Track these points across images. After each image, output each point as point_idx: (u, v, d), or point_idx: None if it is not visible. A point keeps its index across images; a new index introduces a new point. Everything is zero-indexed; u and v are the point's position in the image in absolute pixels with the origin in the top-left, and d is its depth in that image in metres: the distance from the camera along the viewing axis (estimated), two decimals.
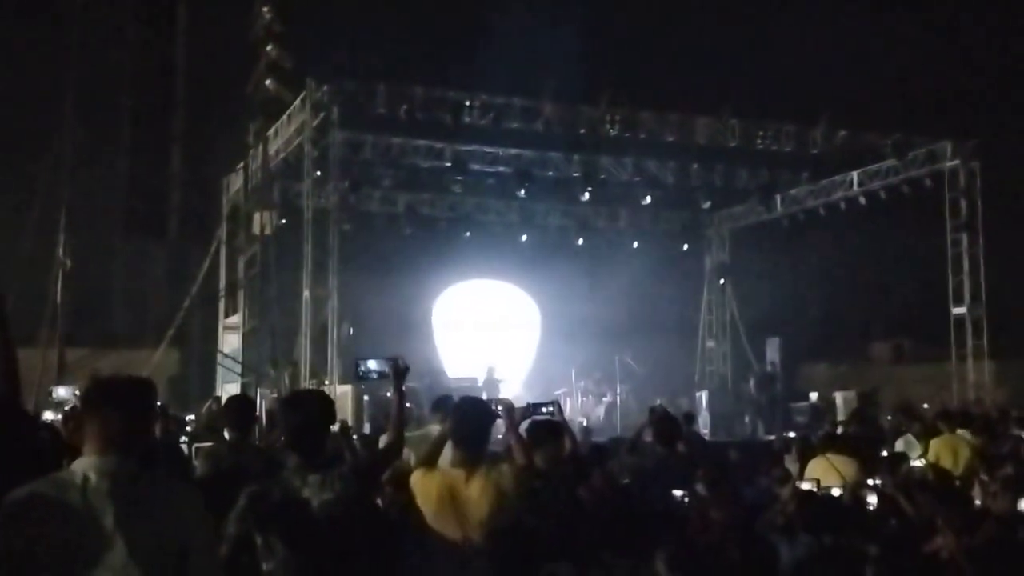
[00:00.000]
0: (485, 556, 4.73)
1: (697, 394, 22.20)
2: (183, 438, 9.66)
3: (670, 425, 8.65)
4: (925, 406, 17.10)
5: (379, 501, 5.85)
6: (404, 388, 5.17)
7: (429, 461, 5.13)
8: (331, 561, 4.25)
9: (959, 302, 20.62)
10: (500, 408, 5.41)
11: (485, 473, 4.93)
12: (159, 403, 3.41)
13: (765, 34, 22.62)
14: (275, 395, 17.53)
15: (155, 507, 3.05)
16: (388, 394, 17.06)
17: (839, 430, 13.47)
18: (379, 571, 4.75)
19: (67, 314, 19.24)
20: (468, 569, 4.76)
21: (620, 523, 6.11)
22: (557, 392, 21.70)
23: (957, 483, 8.73)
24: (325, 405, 4.66)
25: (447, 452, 5.24)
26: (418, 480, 5.12)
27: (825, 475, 8.20)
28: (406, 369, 4.99)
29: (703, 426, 19.35)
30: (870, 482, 8.52)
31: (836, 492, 8.35)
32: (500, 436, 7.64)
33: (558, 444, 6.41)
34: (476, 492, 4.85)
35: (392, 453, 5.00)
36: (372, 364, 5.02)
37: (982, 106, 22.28)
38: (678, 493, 5.35)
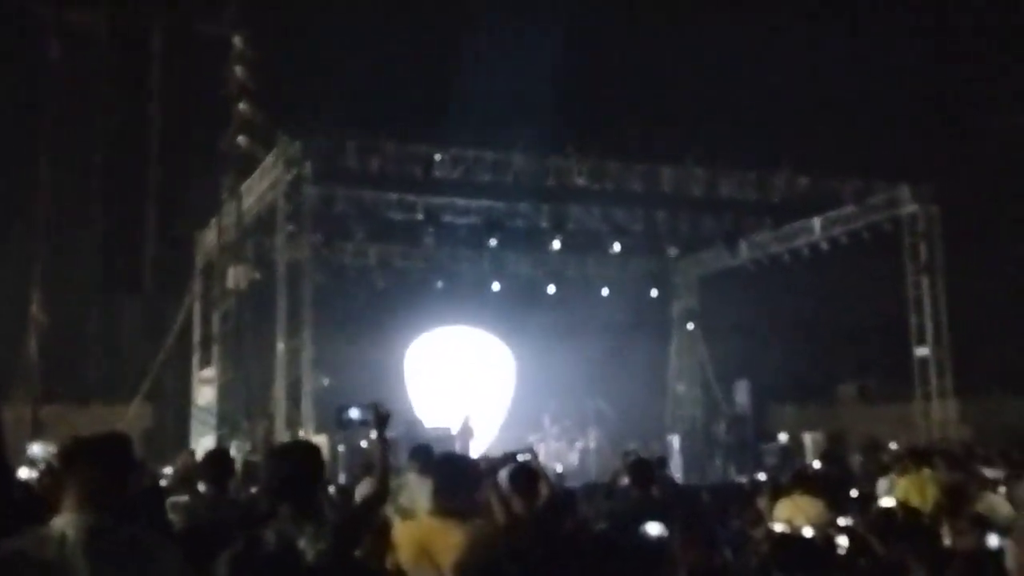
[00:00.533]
0: None
1: (668, 437, 22.41)
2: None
3: (645, 469, 8.85)
4: (892, 445, 17.42)
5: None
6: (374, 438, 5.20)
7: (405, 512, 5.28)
8: None
9: (922, 343, 21.03)
10: (483, 466, 5.58)
11: (462, 525, 5.03)
12: (134, 458, 3.47)
13: (727, 84, 23.18)
14: (249, 447, 17.60)
15: (133, 563, 3.07)
16: (363, 443, 17.26)
17: (815, 467, 13.72)
18: None
19: (42, 370, 19.21)
20: None
21: (597, 567, 6.30)
22: (531, 438, 21.82)
23: (926, 521, 8.98)
24: (314, 455, 4.68)
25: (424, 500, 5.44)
26: (399, 529, 5.31)
27: (793, 516, 8.43)
28: (388, 415, 5.04)
29: (675, 469, 19.54)
30: (841, 522, 8.76)
31: (808, 533, 8.59)
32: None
33: (535, 490, 6.60)
34: (453, 543, 4.91)
35: (378, 500, 4.98)
36: (354, 412, 5.07)
37: (940, 150, 22.84)
38: (654, 530, 5.54)
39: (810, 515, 8.52)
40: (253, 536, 4.33)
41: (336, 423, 4.92)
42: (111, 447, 3.31)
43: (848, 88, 23.97)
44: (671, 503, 8.78)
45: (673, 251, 23.56)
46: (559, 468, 19.05)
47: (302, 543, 4.29)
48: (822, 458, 15.96)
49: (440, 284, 24.28)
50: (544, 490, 7.05)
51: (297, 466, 4.54)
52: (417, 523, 5.22)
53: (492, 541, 5.09)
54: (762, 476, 15.35)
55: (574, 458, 21.86)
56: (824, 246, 22.32)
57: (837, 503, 9.38)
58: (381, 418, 5.01)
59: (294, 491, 4.47)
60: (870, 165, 21.72)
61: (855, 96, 24.03)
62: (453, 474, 5.27)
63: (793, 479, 9.98)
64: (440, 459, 5.57)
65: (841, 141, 23.10)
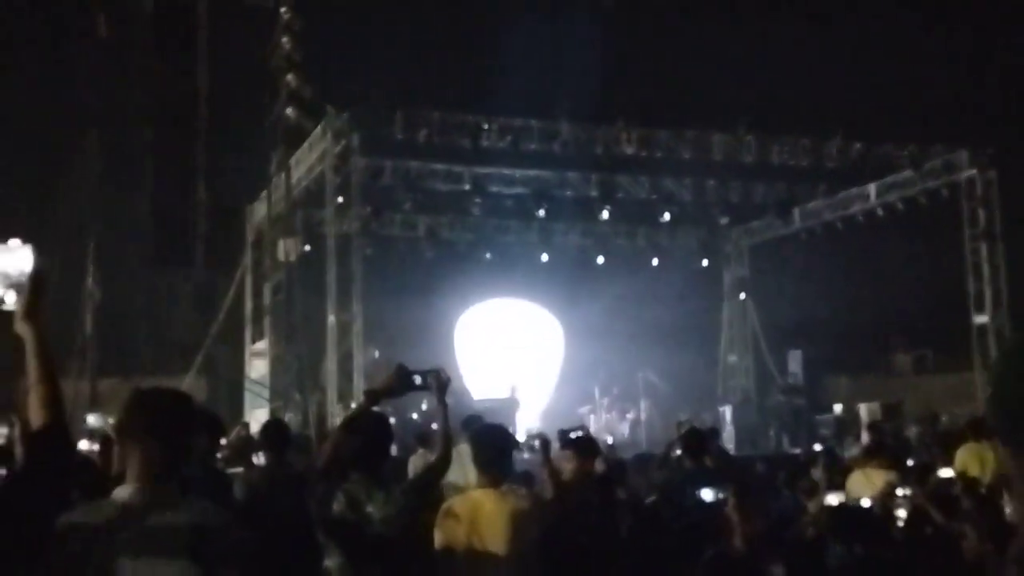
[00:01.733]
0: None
1: (721, 409, 22.23)
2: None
3: (699, 439, 8.74)
4: (943, 417, 17.15)
5: None
6: (427, 409, 5.35)
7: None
8: (387, 572, 4.45)
9: (980, 311, 20.62)
10: (537, 443, 5.57)
11: (505, 496, 5.09)
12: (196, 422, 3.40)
13: (778, 49, 22.71)
14: (302, 420, 17.73)
15: (188, 537, 3.03)
16: (414, 415, 17.32)
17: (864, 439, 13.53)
18: None
19: (97, 344, 19.48)
20: None
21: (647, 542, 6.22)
22: (581, 410, 21.79)
23: (985, 492, 8.80)
24: (385, 425, 4.85)
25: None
26: (450, 505, 5.31)
27: (864, 489, 8.29)
28: (448, 381, 5.07)
29: (728, 441, 19.38)
30: (899, 492, 8.60)
31: (866, 503, 8.44)
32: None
33: (591, 459, 6.56)
34: (497, 513, 4.97)
35: (441, 468, 5.09)
36: (416, 377, 5.04)
37: (997, 115, 22.30)
38: (708, 496, 5.45)
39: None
40: (322, 496, 4.48)
41: (398, 385, 4.89)
42: (174, 418, 3.25)
43: (903, 51, 23.44)
44: (724, 473, 8.68)
45: (724, 220, 23.26)
46: (610, 440, 18.98)
47: (370, 508, 4.47)
48: (870, 429, 15.70)
49: (488, 255, 24.23)
50: (599, 465, 7.00)
51: (369, 435, 4.72)
52: (466, 497, 5.20)
53: (542, 512, 5.07)
54: (817, 447, 15.19)
55: (625, 429, 21.78)
56: (880, 213, 21.92)
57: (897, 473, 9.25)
58: (442, 384, 5.00)
59: (365, 459, 4.65)
60: (926, 130, 21.26)
61: (910, 60, 23.49)
62: (491, 444, 5.30)
63: (866, 451, 10.01)
64: (477, 431, 5.56)
65: (896, 105, 22.63)
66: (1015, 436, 1.55)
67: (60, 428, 3.01)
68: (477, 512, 4.98)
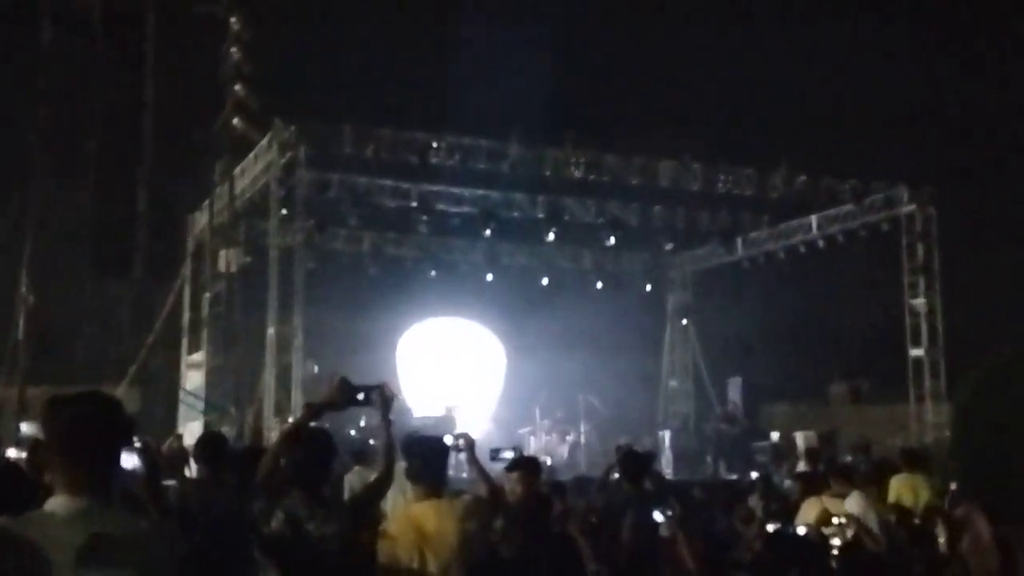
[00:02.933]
0: None
1: (660, 433, 22.31)
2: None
3: (637, 463, 8.74)
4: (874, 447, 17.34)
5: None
6: (365, 426, 5.30)
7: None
8: None
9: (917, 344, 20.96)
10: (461, 443, 5.52)
11: (448, 504, 5.09)
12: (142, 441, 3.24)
13: (727, 80, 23.07)
14: (236, 434, 17.45)
15: (128, 547, 2.92)
16: (352, 432, 17.12)
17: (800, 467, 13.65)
18: None
19: (29, 352, 19.05)
20: None
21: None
22: (521, 431, 21.74)
23: (918, 522, 8.92)
24: (328, 442, 4.74)
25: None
26: (392, 519, 5.25)
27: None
28: (392, 397, 5.01)
29: (666, 465, 19.47)
30: (834, 520, 8.67)
31: (801, 531, 8.50)
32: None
33: (536, 482, 6.52)
34: (440, 524, 4.95)
35: (384, 484, 5.03)
36: (359, 394, 4.97)
37: (938, 152, 22.76)
38: (659, 516, 5.44)
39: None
40: (262, 510, 4.41)
41: (340, 400, 4.80)
42: (103, 426, 3.09)
43: (848, 87, 23.90)
44: (662, 497, 8.68)
45: (669, 246, 23.45)
46: (548, 461, 18.93)
47: (310, 526, 4.37)
48: (807, 457, 15.84)
49: (433, 273, 24.12)
50: (542, 487, 6.96)
51: (311, 450, 4.62)
52: (407, 509, 5.13)
53: (480, 522, 5.02)
54: (754, 475, 15.28)
55: (564, 451, 21.75)
56: (821, 244, 22.23)
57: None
58: (387, 400, 4.92)
59: (306, 475, 4.56)
60: (868, 165, 21.65)
61: (854, 95, 23.95)
62: (426, 455, 5.26)
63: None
64: (409, 443, 5.49)
65: (840, 140, 23.04)
66: (982, 487, 1.46)
67: None
68: (422, 525, 4.95)
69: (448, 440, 5.61)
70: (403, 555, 4.92)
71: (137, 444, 4.10)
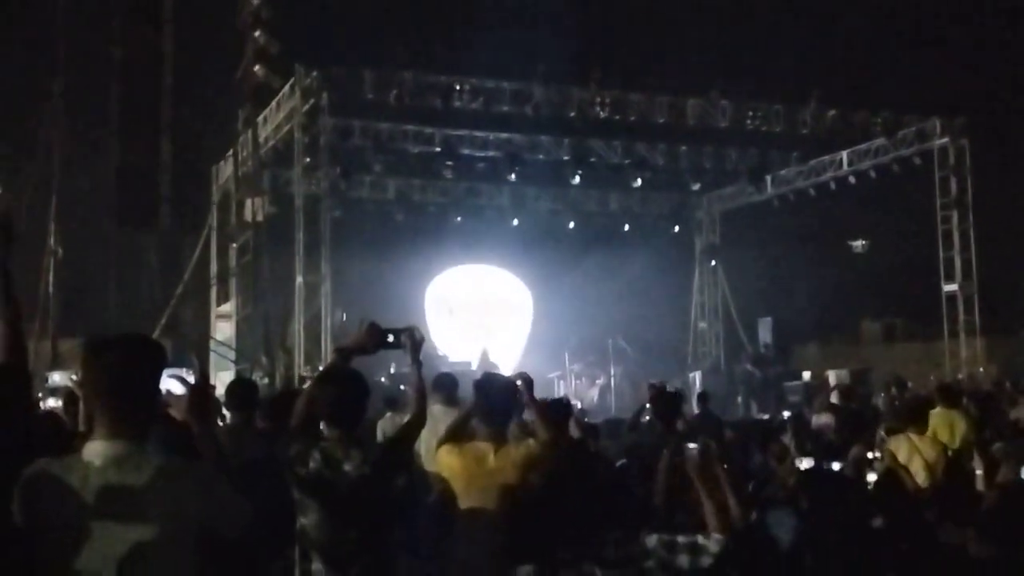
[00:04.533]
0: (506, 528, 4.78)
1: (690, 375, 22.24)
2: None
3: (669, 402, 8.67)
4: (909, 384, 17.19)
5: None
6: (395, 372, 5.28)
7: (454, 437, 5.28)
8: (364, 530, 4.39)
9: (950, 279, 20.69)
10: (520, 383, 5.47)
11: (512, 447, 5.08)
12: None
13: (754, 14, 22.61)
14: (267, 382, 17.52)
15: (165, 492, 2.93)
16: (382, 379, 17.15)
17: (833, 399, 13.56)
18: (405, 542, 4.85)
19: (58, 304, 19.16)
20: (485, 542, 4.84)
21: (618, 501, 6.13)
22: (550, 375, 21.73)
23: (952, 456, 8.85)
24: (362, 383, 4.70)
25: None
26: (443, 456, 5.25)
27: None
28: (422, 340, 4.95)
29: (695, 407, 19.37)
30: (869, 456, 8.60)
31: (836, 466, 8.41)
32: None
33: (565, 426, 6.48)
34: (503, 465, 4.98)
35: (417, 426, 5.01)
36: (389, 336, 4.92)
37: (971, 84, 22.30)
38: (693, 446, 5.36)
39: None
40: (299, 451, 4.42)
41: (370, 343, 4.76)
42: (140, 370, 3.07)
43: (878, 19, 23.38)
44: (694, 437, 8.60)
45: (696, 186, 23.18)
46: (579, 405, 18.92)
47: (347, 466, 4.38)
48: (840, 395, 15.74)
49: (459, 219, 24.04)
50: (573, 430, 6.92)
51: (345, 392, 4.60)
52: (466, 449, 5.22)
53: (543, 466, 5.07)
54: (786, 414, 15.20)
55: (594, 395, 21.75)
56: (851, 180, 21.89)
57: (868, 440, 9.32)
58: (416, 343, 4.88)
59: (341, 413, 4.54)
60: (899, 98, 21.24)
61: (884, 27, 23.45)
62: (496, 396, 5.28)
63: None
64: (482, 382, 5.46)
65: (871, 73, 22.59)
66: None
67: (20, 367, 3.04)
68: (480, 464, 5.01)
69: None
70: (457, 491, 5.02)
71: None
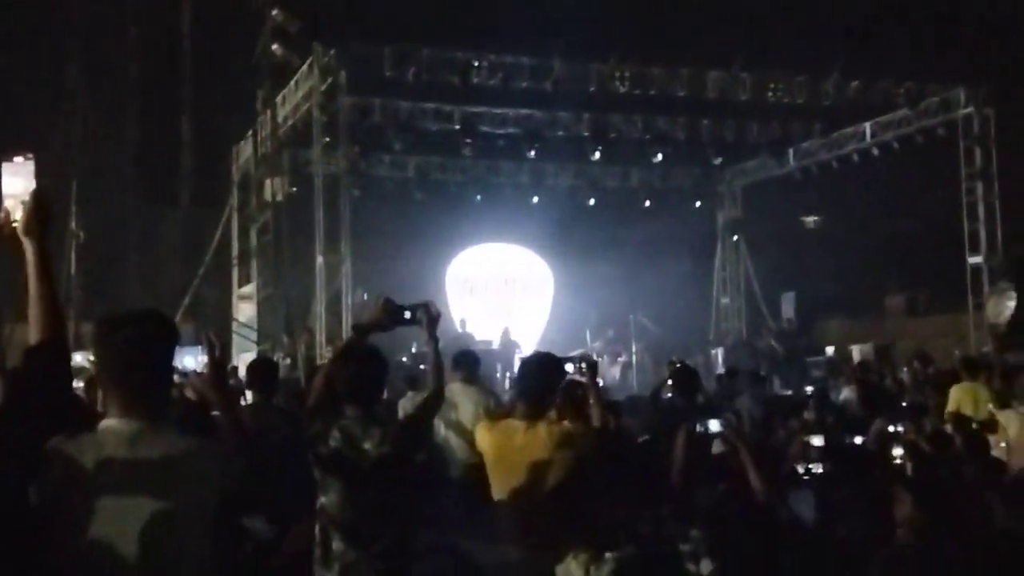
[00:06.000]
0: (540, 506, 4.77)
1: (712, 351, 22.15)
2: None
3: (689, 377, 8.65)
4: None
5: None
6: (417, 352, 5.28)
7: (491, 415, 5.33)
8: (384, 508, 4.43)
9: (975, 251, 20.46)
10: (584, 365, 5.46)
11: (544, 424, 5.03)
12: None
13: None
14: (289, 362, 17.58)
15: (179, 469, 2.93)
16: (403, 358, 17.17)
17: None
18: (421, 517, 4.90)
19: (81, 286, 19.27)
20: (516, 519, 4.85)
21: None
22: (572, 353, 21.67)
23: (977, 429, 8.78)
24: (380, 360, 4.72)
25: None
26: (479, 433, 5.36)
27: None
28: (439, 315, 4.92)
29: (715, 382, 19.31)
30: (891, 429, 8.55)
31: (858, 440, 8.37)
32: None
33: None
34: (532, 441, 4.95)
35: (435, 404, 5.02)
36: (405, 313, 4.88)
37: (996, 53, 21.97)
38: (715, 426, 5.33)
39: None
40: (317, 431, 4.43)
41: (386, 320, 4.73)
42: (155, 347, 3.06)
43: None
44: (715, 410, 8.57)
45: (717, 160, 22.99)
46: (600, 382, 18.83)
47: (367, 445, 4.39)
48: (861, 370, 15.66)
49: (479, 197, 23.98)
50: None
51: (364, 369, 4.62)
52: (500, 426, 5.22)
53: (588, 453, 5.04)
54: (809, 389, 15.13)
55: (616, 373, 21.71)
56: (875, 152, 21.65)
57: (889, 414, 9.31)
58: (432, 318, 4.85)
59: (359, 390, 4.56)
60: (923, 67, 20.93)
61: None
62: (539, 374, 5.23)
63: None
64: (527, 359, 5.46)
65: (893, 43, 22.29)
66: None
67: (59, 341, 3.04)
68: (512, 441, 4.99)
69: (569, 367, 5.51)
70: (488, 468, 5.04)
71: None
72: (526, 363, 5.42)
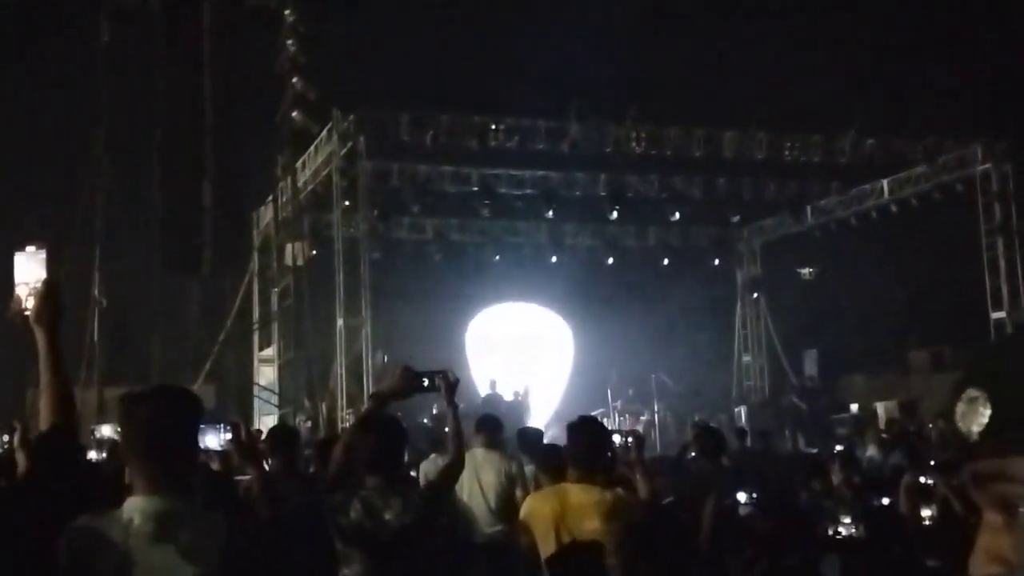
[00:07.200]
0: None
1: (736, 409, 21.97)
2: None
3: (714, 439, 8.55)
4: None
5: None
6: (438, 413, 5.29)
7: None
8: None
9: (998, 306, 20.33)
10: (631, 441, 5.50)
11: (596, 490, 5.07)
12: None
13: (789, 44, 22.50)
14: (311, 426, 17.54)
15: (205, 548, 2.90)
16: (424, 420, 17.09)
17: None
18: None
19: (104, 353, 19.33)
20: None
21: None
22: (594, 412, 21.52)
23: None
24: (401, 430, 4.74)
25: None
26: (529, 502, 5.42)
27: None
28: (457, 381, 4.92)
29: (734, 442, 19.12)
30: (922, 480, 8.41)
31: (885, 501, 8.23)
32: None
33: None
34: (589, 508, 4.98)
35: (457, 469, 4.99)
36: (423, 380, 4.91)
37: (1012, 107, 22.00)
38: (743, 497, 5.31)
39: None
40: (338, 502, 4.39)
41: (404, 387, 4.72)
42: (179, 427, 3.06)
43: (915, 45, 23.18)
44: (741, 473, 8.48)
45: (735, 218, 23.02)
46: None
47: (388, 516, 4.35)
48: (888, 431, 15.48)
49: (497, 257, 24.05)
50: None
51: (383, 439, 4.59)
52: (553, 491, 5.27)
53: (634, 510, 5.12)
54: (837, 447, 14.95)
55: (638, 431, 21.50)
56: (893, 209, 21.64)
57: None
58: (451, 385, 4.84)
59: (380, 461, 4.54)
60: (939, 123, 20.98)
61: (922, 53, 23.23)
62: (587, 438, 5.30)
63: None
64: (573, 424, 5.47)
65: (909, 100, 22.37)
66: None
67: (68, 429, 3.05)
68: (564, 505, 5.02)
69: (616, 439, 5.55)
70: (546, 532, 5.03)
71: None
72: (574, 427, 5.43)
